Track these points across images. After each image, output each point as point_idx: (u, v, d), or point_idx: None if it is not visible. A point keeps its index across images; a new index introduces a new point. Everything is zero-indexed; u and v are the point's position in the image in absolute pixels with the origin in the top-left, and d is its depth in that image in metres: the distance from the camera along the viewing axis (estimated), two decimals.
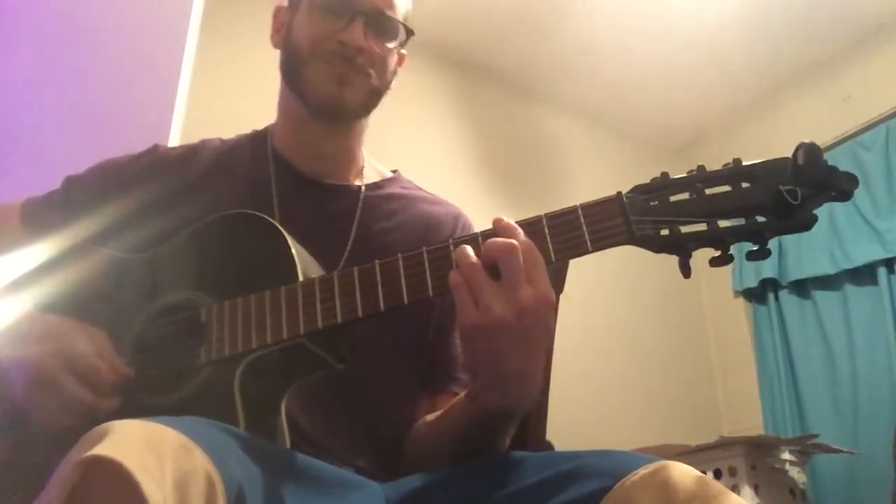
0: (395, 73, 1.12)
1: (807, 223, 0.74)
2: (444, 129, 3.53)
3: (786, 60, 3.67)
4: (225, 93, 2.55)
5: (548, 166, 3.75)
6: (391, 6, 1.06)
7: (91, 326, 0.92)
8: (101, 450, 0.53)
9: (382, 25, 1.05)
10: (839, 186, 0.73)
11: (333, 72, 1.02)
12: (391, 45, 1.07)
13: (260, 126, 1.18)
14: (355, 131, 1.12)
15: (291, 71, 1.07)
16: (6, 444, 0.92)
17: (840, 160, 3.41)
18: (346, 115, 1.07)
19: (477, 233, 0.81)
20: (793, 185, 0.73)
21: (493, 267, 0.75)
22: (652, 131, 4.12)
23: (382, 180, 1.16)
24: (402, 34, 1.08)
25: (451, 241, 0.81)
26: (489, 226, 0.82)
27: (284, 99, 1.12)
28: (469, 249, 0.77)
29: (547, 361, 1.22)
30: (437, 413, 0.99)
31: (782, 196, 0.73)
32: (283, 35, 1.10)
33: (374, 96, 1.08)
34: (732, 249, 0.77)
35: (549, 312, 0.76)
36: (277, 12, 1.13)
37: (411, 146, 3.20)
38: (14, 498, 0.85)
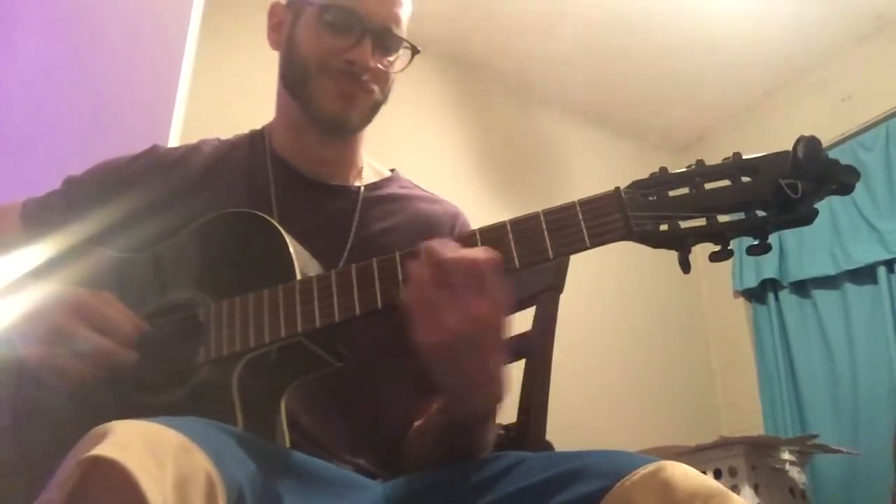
0: (393, 79, 1.12)
1: (808, 217, 0.74)
2: (443, 129, 3.53)
3: (786, 60, 3.67)
4: (225, 93, 2.55)
5: (547, 166, 3.75)
6: (398, 23, 1.06)
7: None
8: (101, 450, 0.53)
9: (388, 43, 1.05)
10: (840, 179, 0.73)
11: (340, 89, 1.03)
12: (393, 58, 1.07)
13: (259, 126, 1.18)
14: (355, 137, 1.13)
15: (295, 82, 1.07)
16: (10, 445, 0.92)
17: (840, 160, 3.39)
18: (350, 130, 1.09)
19: (475, 230, 0.81)
20: (793, 178, 0.73)
21: (445, 280, 0.76)
22: (652, 131, 4.11)
23: (381, 180, 1.16)
24: (405, 47, 1.08)
25: (449, 238, 0.81)
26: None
27: (284, 103, 1.12)
28: (419, 262, 0.77)
29: (546, 360, 1.22)
30: (423, 419, 1.00)
31: (783, 190, 0.72)
32: (285, 39, 1.09)
33: (375, 109, 1.09)
34: (732, 244, 0.76)
35: (503, 319, 0.77)
36: (273, 9, 1.12)
37: (411, 145, 3.20)
38: (17, 497, 0.85)
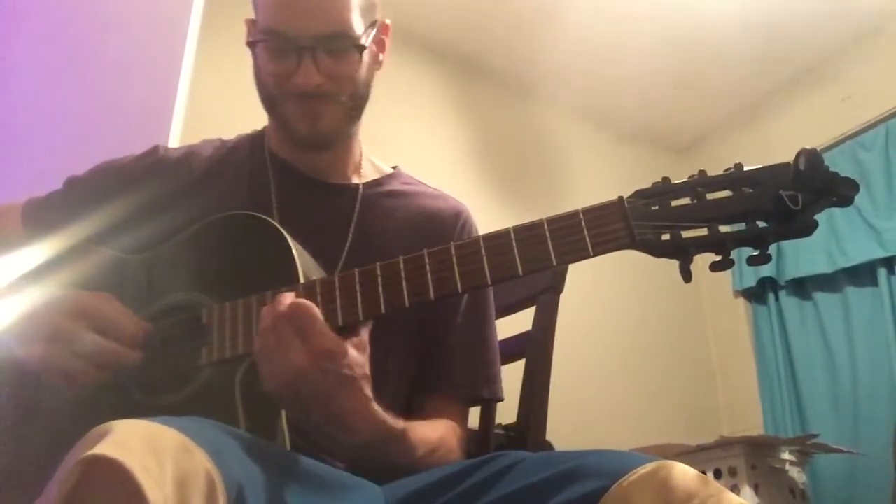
0: (377, 65, 1.08)
1: (808, 229, 0.74)
2: (443, 129, 3.53)
3: (786, 60, 3.66)
4: (225, 93, 2.54)
5: (547, 167, 3.75)
6: (337, 23, 0.98)
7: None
8: (101, 449, 0.53)
9: (334, 49, 0.98)
10: (840, 192, 0.73)
11: (303, 111, 1.00)
12: (354, 57, 1.00)
13: (260, 126, 1.18)
14: (347, 137, 1.11)
15: (266, 105, 1.06)
16: (11, 445, 0.92)
17: (840, 160, 3.41)
18: (327, 144, 1.07)
19: (478, 237, 0.82)
20: (794, 190, 0.73)
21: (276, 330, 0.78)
22: (652, 131, 4.11)
23: (382, 177, 1.16)
24: (364, 39, 1.00)
25: (452, 245, 0.81)
26: (489, 227, 0.82)
27: (269, 117, 1.10)
28: (268, 313, 0.79)
29: (546, 360, 1.22)
30: None
31: (783, 201, 0.73)
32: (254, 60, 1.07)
33: (352, 113, 1.05)
34: (733, 254, 0.77)
35: (334, 363, 0.78)
36: (249, 25, 1.09)
37: (411, 146, 3.20)
38: (18, 497, 0.86)
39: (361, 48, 1.00)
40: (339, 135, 1.07)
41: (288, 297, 0.79)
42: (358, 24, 0.99)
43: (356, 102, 1.04)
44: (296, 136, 1.04)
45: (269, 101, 1.04)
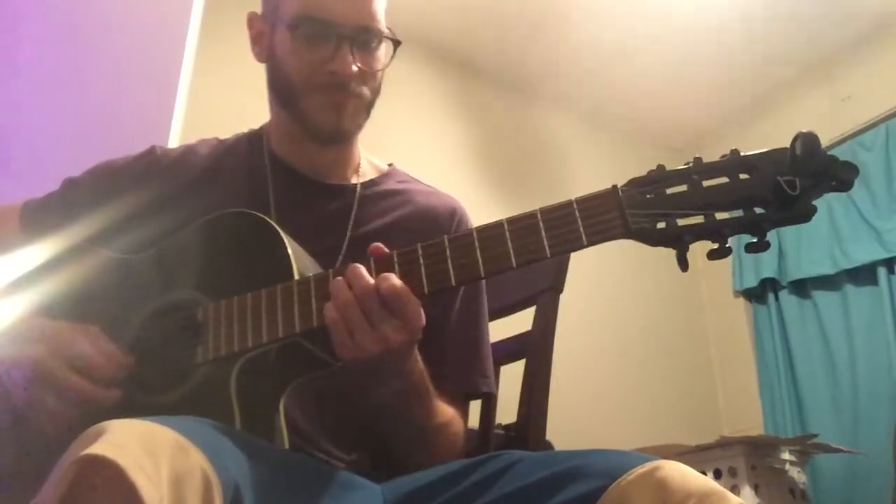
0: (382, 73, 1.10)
1: (806, 214, 0.74)
2: (443, 129, 3.53)
3: (786, 60, 3.66)
4: (225, 93, 2.55)
5: (547, 166, 3.75)
6: (373, 17, 1.02)
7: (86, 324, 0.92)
8: (96, 449, 0.53)
9: (368, 42, 1.02)
10: (838, 176, 0.73)
11: (330, 101, 1.01)
12: (377, 54, 1.04)
13: (258, 126, 1.18)
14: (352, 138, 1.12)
15: (285, 98, 1.06)
16: (10, 446, 0.92)
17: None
18: (347, 138, 1.08)
19: (472, 229, 0.81)
20: (791, 175, 0.72)
21: (364, 304, 0.80)
22: (652, 131, 4.11)
23: (379, 176, 1.16)
24: (387, 38, 1.05)
25: (445, 237, 0.81)
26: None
27: (277, 113, 1.11)
28: (343, 283, 0.80)
29: (546, 360, 1.22)
30: None
31: (781, 187, 0.72)
32: (267, 53, 1.07)
33: (369, 109, 1.07)
34: (731, 243, 0.76)
35: (415, 340, 0.83)
36: (251, 21, 1.10)
37: (411, 145, 3.20)
38: (18, 498, 0.85)
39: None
40: (355, 131, 1.08)
41: (364, 275, 0.81)
42: (384, 23, 1.04)
43: (373, 99, 1.06)
44: (317, 128, 1.04)
45: (290, 92, 1.04)
